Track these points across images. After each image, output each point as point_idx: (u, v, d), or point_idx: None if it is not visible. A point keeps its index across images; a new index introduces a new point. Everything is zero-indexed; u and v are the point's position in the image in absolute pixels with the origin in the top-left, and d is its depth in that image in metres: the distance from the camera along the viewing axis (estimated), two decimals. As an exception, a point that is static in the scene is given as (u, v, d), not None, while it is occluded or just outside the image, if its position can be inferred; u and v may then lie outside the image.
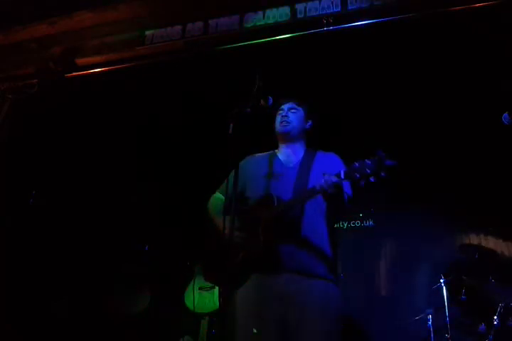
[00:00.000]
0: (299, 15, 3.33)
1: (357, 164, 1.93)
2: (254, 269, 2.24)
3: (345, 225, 5.33)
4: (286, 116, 2.53)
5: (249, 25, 3.46)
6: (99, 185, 4.91)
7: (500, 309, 3.43)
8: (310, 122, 2.61)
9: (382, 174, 1.85)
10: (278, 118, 2.57)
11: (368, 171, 1.87)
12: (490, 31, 3.29)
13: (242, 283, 2.25)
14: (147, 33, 3.76)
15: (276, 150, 2.63)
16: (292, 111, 2.55)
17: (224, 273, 2.04)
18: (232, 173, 2.10)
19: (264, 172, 2.46)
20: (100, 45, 3.91)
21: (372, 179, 1.87)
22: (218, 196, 2.58)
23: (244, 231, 2.24)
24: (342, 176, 1.98)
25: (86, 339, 4.66)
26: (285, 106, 2.57)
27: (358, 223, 5.24)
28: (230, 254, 2.17)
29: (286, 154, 2.56)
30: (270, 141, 2.65)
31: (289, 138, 2.55)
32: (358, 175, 1.90)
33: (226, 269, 2.06)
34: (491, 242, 4.17)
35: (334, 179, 1.99)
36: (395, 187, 4.90)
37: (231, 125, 2.06)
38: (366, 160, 1.90)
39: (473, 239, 4.01)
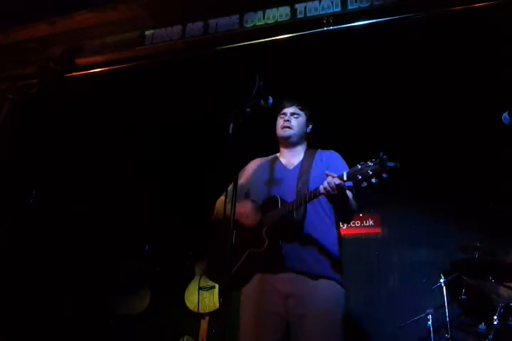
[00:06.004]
0: (299, 15, 3.33)
1: (359, 166, 1.93)
2: (258, 269, 2.27)
3: (345, 225, 5.33)
4: (288, 121, 2.51)
5: (249, 25, 3.46)
6: (99, 184, 4.91)
7: (500, 309, 3.43)
8: (311, 126, 2.61)
9: (384, 176, 1.85)
10: (279, 122, 2.55)
11: (370, 173, 1.87)
12: (490, 31, 3.29)
13: (246, 282, 2.29)
14: (147, 33, 3.76)
15: (278, 154, 2.64)
16: (295, 116, 2.53)
17: (227, 273, 2.05)
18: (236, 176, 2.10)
19: (267, 176, 2.49)
20: (100, 45, 3.91)
21: (374, 181, 1.87)
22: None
23: (249, 232, 2.26)
24: (344, 178, 1.98)
25: (86, 339, 4.66)
26: (287, 111, 2.54)
27: (357, 223, 5.23)
28: (234, 255, 2.22)
29: (288, 157, 2.57)
30: (270, 141, 2.64)
31: (289, 142, 2.55)
32: (360, 177, 1.90)
33: (229, 269, 2.08)
34: (491, 242, 4.15)
35: (336, 181, 1.98)
36: (395, 187, 4.91)
37: (231, 125, 2.06)
38: (368, 162, 1.91)
39: (474, 239, 4.00)
